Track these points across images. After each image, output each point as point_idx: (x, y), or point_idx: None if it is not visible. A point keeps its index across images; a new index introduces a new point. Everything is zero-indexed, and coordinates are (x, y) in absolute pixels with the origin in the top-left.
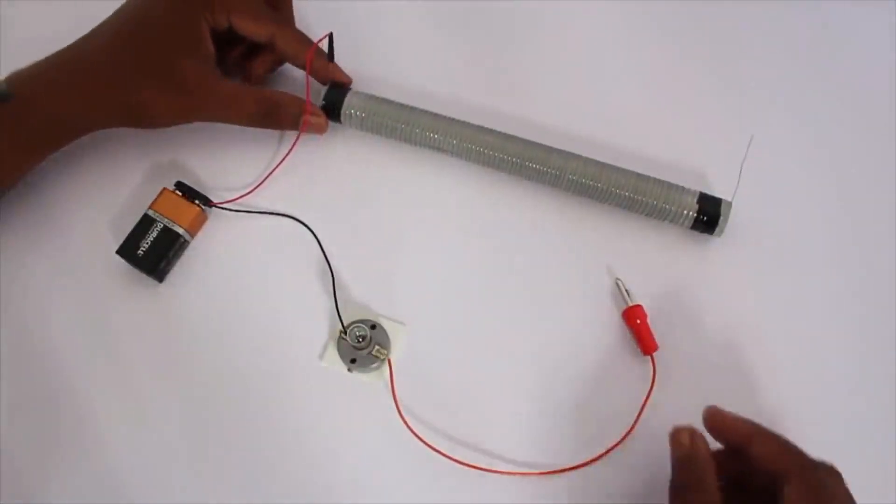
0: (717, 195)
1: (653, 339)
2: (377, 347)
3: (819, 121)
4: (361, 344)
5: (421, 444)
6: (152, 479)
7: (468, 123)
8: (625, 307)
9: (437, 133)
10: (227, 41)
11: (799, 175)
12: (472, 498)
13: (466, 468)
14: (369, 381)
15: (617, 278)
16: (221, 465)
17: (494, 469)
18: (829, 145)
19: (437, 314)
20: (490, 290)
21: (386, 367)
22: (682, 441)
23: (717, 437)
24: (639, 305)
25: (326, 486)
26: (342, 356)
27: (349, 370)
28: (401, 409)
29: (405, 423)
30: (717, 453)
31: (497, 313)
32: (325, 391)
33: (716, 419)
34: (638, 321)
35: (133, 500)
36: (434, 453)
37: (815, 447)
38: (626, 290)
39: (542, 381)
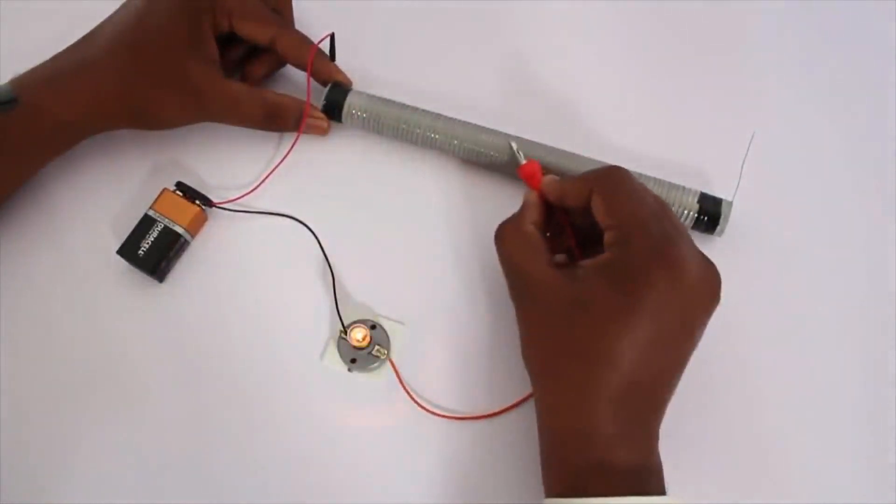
0: (718, 195)
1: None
2: (377, 347)
3: (821, 119)
4: (361, 344)
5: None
6: (152, 479)
7: (468, 123)
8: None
9: (437, 133)
10: (228, 43)
11: (801, 173)
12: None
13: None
14: (369, 381)
15: (510, 142)
16: (221, 464)
17: None
18: (831, 143)
19: (437, 314)
20: (490, 290)
21: (385, 368)
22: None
23: (560, 203)
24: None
25: (326, 486)
26: (342, 356)
27: (349, 370)
28: (414, 398)
29: (420, 405)
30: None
31: (496, 313)
32: (325, 391)
33: (552, 188)
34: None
35: (132, 499)
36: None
37: (817, 444)
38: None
39: None
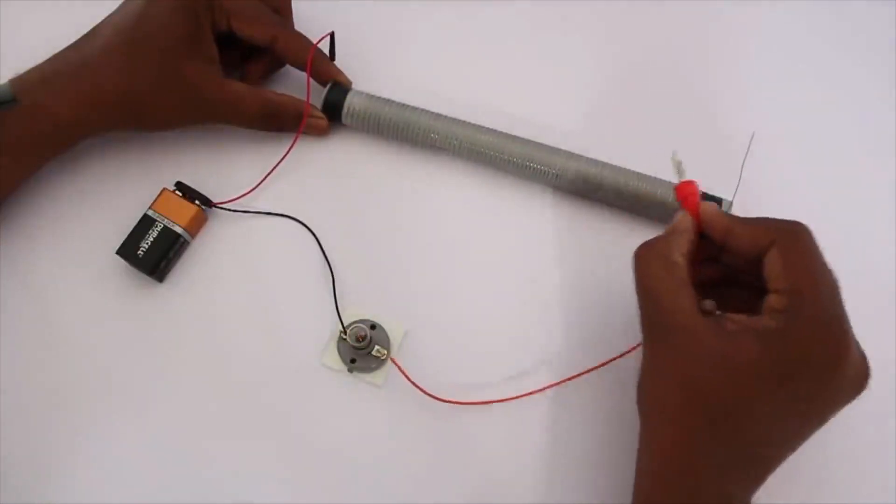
0: (718, 194)
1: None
2: (377, 347)
3: (821, 119)
4: (361, 344)
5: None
6: (151, 478)
7: (468, 123)
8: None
9: (437, 133)
10: (227, 43)
11: (801, 174)
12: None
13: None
14: (370, 381)
15: (674, 152)
16: (221, 464)
17: None
18: (830, 143)
19: (437, 314)
20: (490, 290)
21: (385, 368)
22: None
23: (722, 241)
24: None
25: (326, 486)
26: (342, 356)
27: (349, 370)
28: (422, 387)
29: (425, 392)
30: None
31: (497, 313)
32: (325, 391)
33: (717, 221)
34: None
35: (132, 499)
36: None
37: (821, 444)
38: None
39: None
